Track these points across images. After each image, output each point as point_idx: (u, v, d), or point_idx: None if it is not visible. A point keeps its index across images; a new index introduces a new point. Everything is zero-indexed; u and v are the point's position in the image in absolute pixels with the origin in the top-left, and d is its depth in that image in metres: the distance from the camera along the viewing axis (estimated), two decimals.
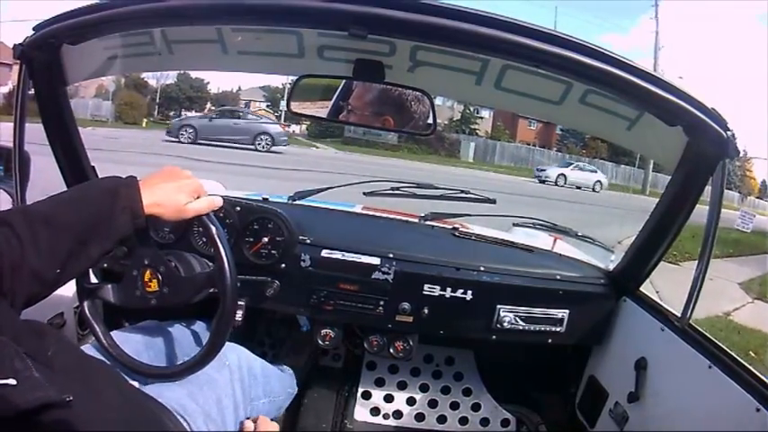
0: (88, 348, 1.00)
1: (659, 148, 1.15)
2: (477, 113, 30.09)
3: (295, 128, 33.74)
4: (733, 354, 1.03)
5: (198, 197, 0.89)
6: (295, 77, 1.11)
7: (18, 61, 1.05)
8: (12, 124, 1.12)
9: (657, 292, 2.90)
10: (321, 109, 1.13)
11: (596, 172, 21.59)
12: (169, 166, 0.90)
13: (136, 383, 0.95)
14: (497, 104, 1.22)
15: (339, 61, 1.08)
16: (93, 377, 0.73)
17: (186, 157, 9.92)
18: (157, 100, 28.49)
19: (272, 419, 1.13)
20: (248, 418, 1.02)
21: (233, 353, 1.07)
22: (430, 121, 1.09)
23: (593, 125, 1.20)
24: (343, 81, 1.10)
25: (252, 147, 14.56)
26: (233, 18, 0.99)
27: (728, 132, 0.94)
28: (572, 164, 21.50)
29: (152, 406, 0.84)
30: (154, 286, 0.98)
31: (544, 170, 20.44)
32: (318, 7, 0.86)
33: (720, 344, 1.07)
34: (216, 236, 0.93)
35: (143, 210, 0.80)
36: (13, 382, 0.51)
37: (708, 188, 1.07)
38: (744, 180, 32.14)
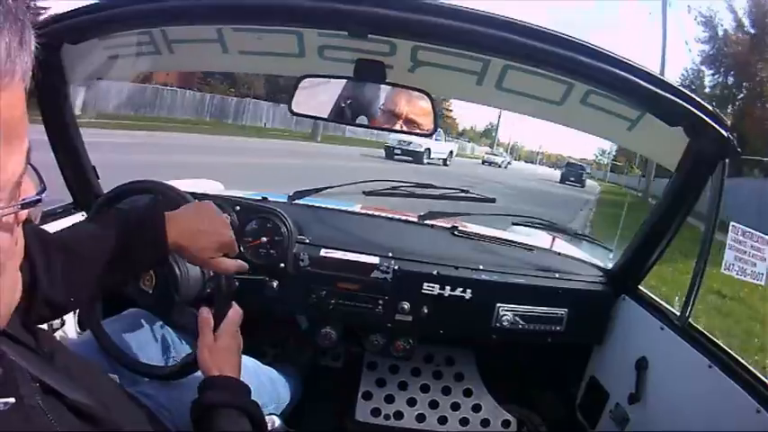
0: (79, 344, 1.00)
1: (660, 149, 1.15)
2: None
3: None
4: (732, 353, 1.04)
5: (226, 254, 0.82)
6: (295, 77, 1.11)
7: None
8: None
9: None
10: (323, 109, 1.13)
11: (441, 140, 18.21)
12: (206, 203, 0.84)
13: (134, 387, 0.95)
14: (498, 105, 1.22)
15: (340, 61, 1.08)
16: (90, 379, 0.73)
17: None
18: None
19: (275, 422, 1.13)
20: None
21: None
22: (431, 121, 1.09)
23: (594, 125, 1.21)
24: (344, 81, 1.10)
25: None
26: (233, 18, 0.99)
27: (729, 133, 0.95)
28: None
29: (150, 410, 0.84)
30: (148, 286, 0.98)
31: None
32: (319, 7, 0.86)
33: (719, 342, 1.07)
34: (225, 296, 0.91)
35: (167, 248, 0.76)
36: (12, 400, 0.49)
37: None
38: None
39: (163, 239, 0.75)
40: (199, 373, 0.97)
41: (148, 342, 1.09)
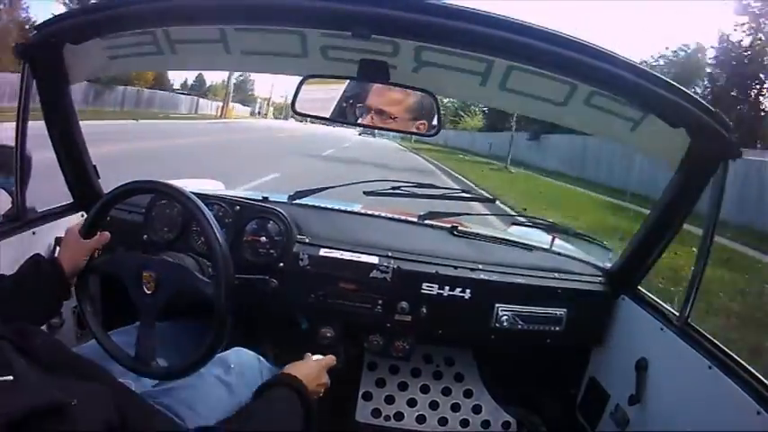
0: (83, 349, 1.00)
1: (662, 149, 1.16)
2: None
3: None
4: (732, 353, 1.04)
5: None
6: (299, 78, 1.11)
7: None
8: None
9: None
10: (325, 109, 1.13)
11: None
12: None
13: (134, 386, 0.94)
14: (502, 105, 1.22)
15: (343, 61, 1.07)
16: (86, 376, 0.73)
17: None
18: None
19: None
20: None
21: (238, 356, 1.07)
22: (435, 121, 1.09)
23: (597, 126, 1.21)
24: (348, 81, 1.10)
25: None
26: (236, 18, 0.99)
27: (731, 134, 0.96)
28: None
29: (150, 407, 0.83)
30: (151, 288, 0.98)
31: None
32: (322, 7, 0.86)
33: (719, 343, 1.08)
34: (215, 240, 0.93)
35: (58, 259, 0.95)
36: (10, 378, 0.53)
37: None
38: None
39: (56, 257, 0.96)
40: (209, 380, 0.97)
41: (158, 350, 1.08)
